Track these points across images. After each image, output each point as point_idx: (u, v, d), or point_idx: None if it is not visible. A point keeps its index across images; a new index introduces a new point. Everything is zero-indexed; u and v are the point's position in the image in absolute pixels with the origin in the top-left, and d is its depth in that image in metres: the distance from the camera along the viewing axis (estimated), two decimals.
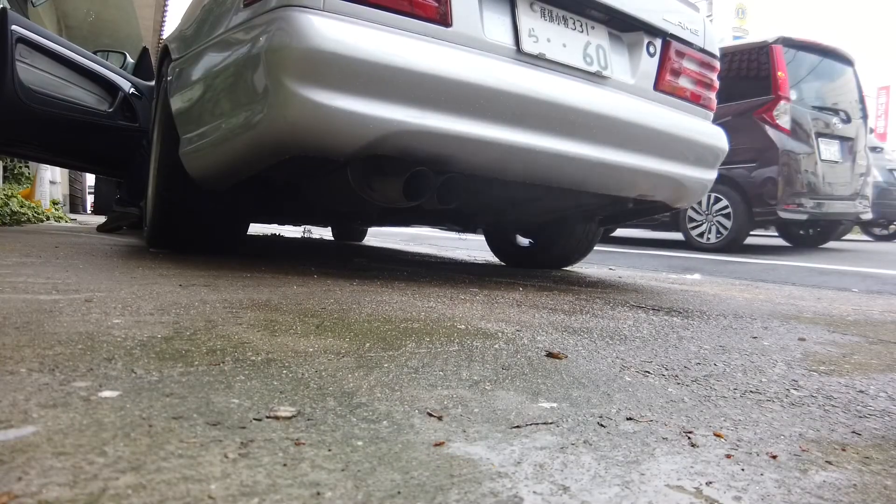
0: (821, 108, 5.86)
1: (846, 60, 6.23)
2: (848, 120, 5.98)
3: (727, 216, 5.68)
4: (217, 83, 2.00)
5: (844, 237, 9.31)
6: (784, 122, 5.51)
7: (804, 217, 5.64)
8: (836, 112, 5.92)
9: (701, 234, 5.89)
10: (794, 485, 0.61)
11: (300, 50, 1.60)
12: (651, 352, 1.21)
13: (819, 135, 5.70)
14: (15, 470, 0.51)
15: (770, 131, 5.48)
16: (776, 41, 5.69)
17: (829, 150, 5.79)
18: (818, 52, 6.03)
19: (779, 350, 1.32)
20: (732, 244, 5.66)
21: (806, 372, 1.12)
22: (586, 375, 0.98)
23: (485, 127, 1.83)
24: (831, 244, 7.20)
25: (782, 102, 5.52)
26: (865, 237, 10.49)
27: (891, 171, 9.23)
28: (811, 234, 6.91)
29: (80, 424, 0.61)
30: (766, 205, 5.45)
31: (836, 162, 5.82)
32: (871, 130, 10.11)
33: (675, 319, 1.67)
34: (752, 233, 8.28)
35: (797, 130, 5.54)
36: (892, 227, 10.09)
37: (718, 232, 5.76)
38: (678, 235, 6.33)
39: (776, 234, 7.87)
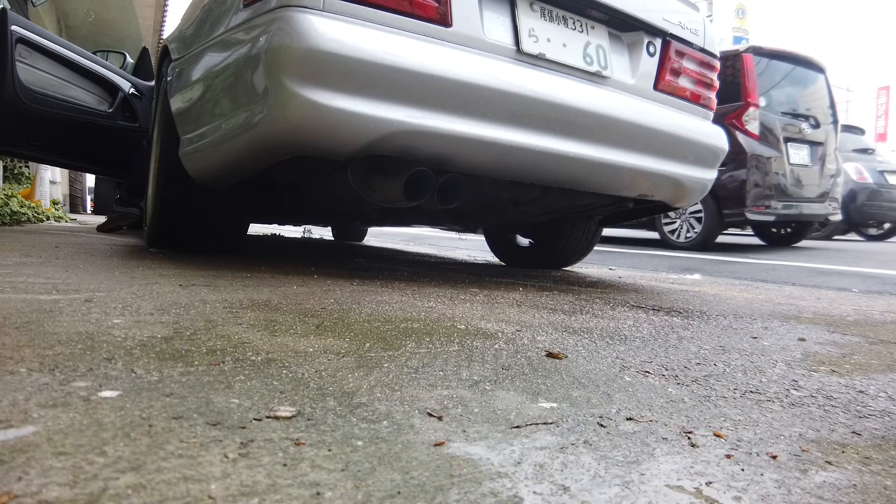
0: (790, 114, 6.08)
1: (818, 68, 6.47)
2: (817, 125, 6.20)
3: (699, 220, 5.95)
4: (217, 83, 2.00)
5: (835, 237, 9.57)
6: (753, 127, 5.70)
7: (772, 218, 5.88)
8: (805, 118, 6.14)
9: (673, 232, 6.17)
10: (794, 485, 0.61)
11: (300, 50, 1.60)
12: (651, 352, 1.21)
13: (788, 140, 5.92)
14: (15, 470, 0.51)
15: (740, 136, 5.66)
16: (746, 50, 5.96)
17: (798, 154, 6.00)
18: (790, 60, 6.28)
19: (779, 350, 1.32)
20: (704, 243, 5.94)
21: (806, 372, 1.12)
22: (586, 375, 0.98)
23: (485, 127, 1.83)
24: (829, 244, 7.36)
25: (751, 109, 5.71)
26: (858, 237, 10.59)
27: (881, 172, 9.28)
28: (785, 234, 7.16)
29: (80, 424, 0.61)
30: (735, 206, 5.68)
31: (805, 166, 6.04)
32: (862, 131, 10.23)
33: (675, 319, 1.67)
34: (736, 232, 8.55)
35: (766, 135, 5.74)
36: (886, 226, 10.21)
37: (692, 231, 6.03)
38: (654, 234, 6.64)
39: (752, 232, 8.08)
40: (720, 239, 6.91)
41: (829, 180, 6.28)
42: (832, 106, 6.48)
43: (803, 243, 7.12)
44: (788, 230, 7.08)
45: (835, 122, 6.46)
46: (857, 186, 9.07)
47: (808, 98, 6.34)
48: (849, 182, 8.94)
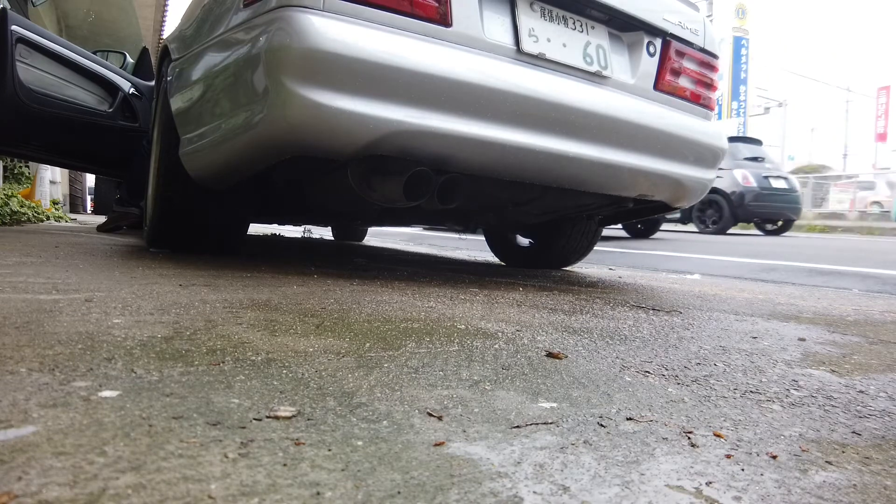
0: None
1: None
2: None
3: None
4: (217, 83, 2.00)
5: (729, 231, 11.01)
6: None
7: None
8: None
9: None
10: (794, 485, 0.61)
11: (300, 50, 1.60)
12: (651, 352, 1.21)
13: None
14: (15, 470, 0.51)
15: None
16: None
17: None
18: None
19: (779, 350, 1.32)
20: None
21: (806, 372, 1.12)
22: (586, 375, 0.98)
23: (485, 127, 1.83)
24: (728, 238, 7.53)
25: None
26: (757, 231, 12.12)
27: (765, 177, 10.74)
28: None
29: (80, 424, 0.61)
30: None
31: None
32: (760, 142, 11.87)
33: (675, 319, 1.67)
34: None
35: None
36: (780, 222, 11.68)
37: None
38: None
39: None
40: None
41: None
42: None
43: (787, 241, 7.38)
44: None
45: None
46: (744, 189, 10.49)
47: None
48: (738, 186, 10.46)
